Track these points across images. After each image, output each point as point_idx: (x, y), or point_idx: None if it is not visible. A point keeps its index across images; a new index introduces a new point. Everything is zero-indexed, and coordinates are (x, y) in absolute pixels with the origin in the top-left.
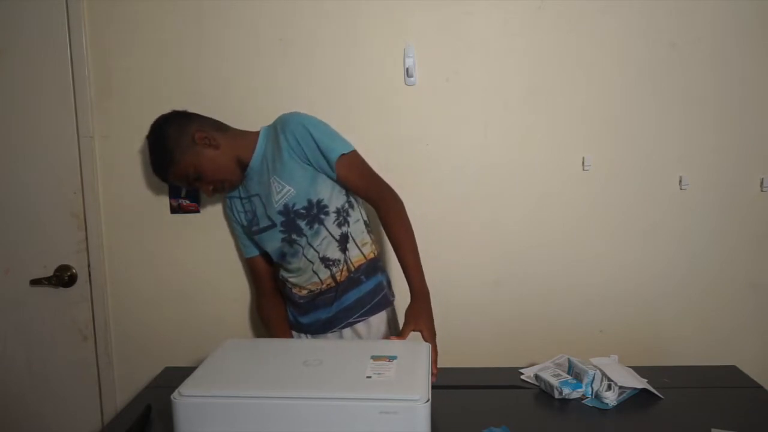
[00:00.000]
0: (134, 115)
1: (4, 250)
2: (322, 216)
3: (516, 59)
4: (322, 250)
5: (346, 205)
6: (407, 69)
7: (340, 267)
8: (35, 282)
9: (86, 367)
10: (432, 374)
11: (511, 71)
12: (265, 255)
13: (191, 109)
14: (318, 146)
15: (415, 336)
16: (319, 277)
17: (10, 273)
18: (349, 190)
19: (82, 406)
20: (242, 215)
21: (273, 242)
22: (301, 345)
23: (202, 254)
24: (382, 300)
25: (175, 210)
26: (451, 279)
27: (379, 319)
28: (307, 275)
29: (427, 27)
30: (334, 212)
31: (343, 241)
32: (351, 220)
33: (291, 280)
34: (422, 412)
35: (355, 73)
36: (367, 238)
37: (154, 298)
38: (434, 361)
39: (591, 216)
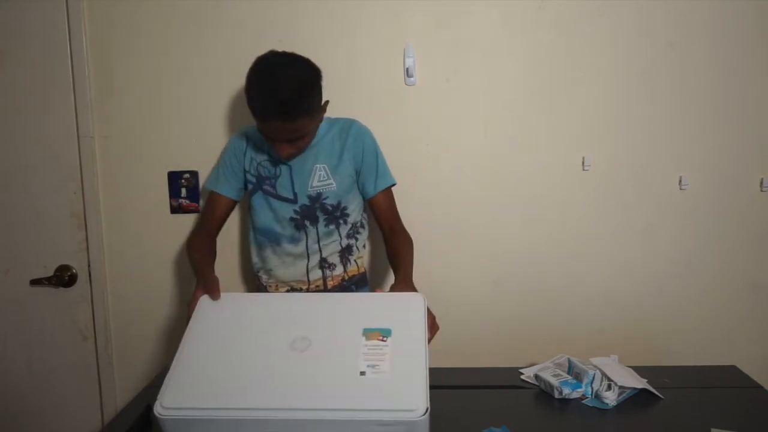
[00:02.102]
0: (134, 115)
1: (4, 250)
2: (341, 221)
3: (516, 59)
4: (325, 251)
5: (361, 221)
6: (407, 69)
7: (334, 273)
8: (35, 282)
9: (86, 367)
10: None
11: (511, 71)
12: (228, 203)
13: (191, 109)
14: (377, 166)
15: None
16: (308, 277)
17: (10, 273)
18: (375, 213)
19: (82, 406)
20: (255, 164)
21: (279, 213)
22: (287, 307)
23: None
24: None
25: (175, 210)
26: (451, 279)
27: None
28: (296, 270)
29: (427, 27)
30: (351, 223)
31: (346, 252)
32: (359, 236)
33: (274, 272)
34: (422, 425)
35: (355, 73)
36: (362, 253)
37: (154, 298)
38: (431, 325)
39: (591, 216)
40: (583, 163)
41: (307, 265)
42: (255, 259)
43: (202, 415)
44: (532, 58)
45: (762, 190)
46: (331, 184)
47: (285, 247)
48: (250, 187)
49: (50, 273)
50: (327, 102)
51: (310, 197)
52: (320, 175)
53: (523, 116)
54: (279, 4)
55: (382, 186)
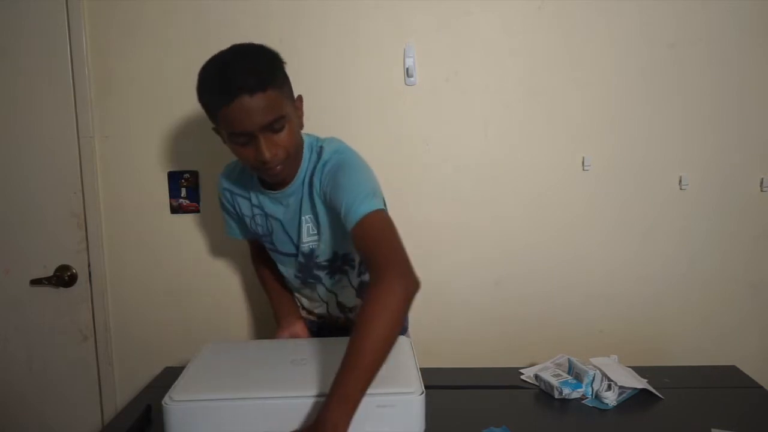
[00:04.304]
0: (134, 115)
1: (4, 250)
2: (346, 267)
3: (516, 59)
4: (339, 295)
5: None
6: (407, 69)
7: (356, 311)
8: (35, 282)
9: (86, 367)
10: None
11: (511, 71)
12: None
13: (191, 109)
14: (344, 200)
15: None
16: (329, 313)
17: (10, 273)
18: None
19: (82, 406)
20: (250, 221)
21: (286, 266)
22: (285, 345)
23: (202, 254)
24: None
25: (175, 210)
26: (451, 279)
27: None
28: (319, 307)
29: (427, 27)
30: (359, 262)
31: (362, 288)
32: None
33: (301, 301)
34: (418, 404)
35: (355, 73)
36: None
37: (154, 298)
38: None
39: (591, 216)
40: (583, 163)
41: (327, 309)
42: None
43: (206, 404)
44: (533, 58)
45: (762, 190)
46: (321, 241)
47: (303, 292)
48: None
49: (50, 273)
50: (300, 97)
51: (304, 254)
52: (308, 228)
53: (523, 116)
54: (279, 4)
55: (352, 221)
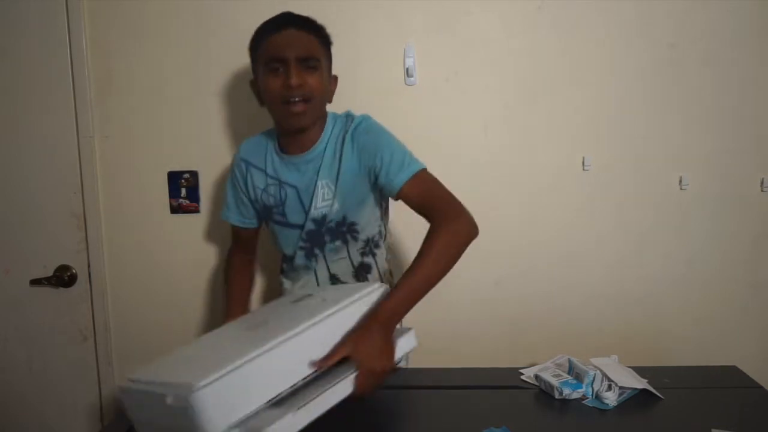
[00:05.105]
0: (134, 115)
1: (4, 250)
2: (348, 237)
3: (516, 59)
4: (334, 271)
5: (377, 236)
6: (407, 69)
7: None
8: (35, 282)
9: (86, 367)
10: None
11: (511, 71)
12: (250, 231)
13: (191, 109)
14: (392, 160)
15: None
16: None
17: (10, 273)
18: (411, 207)
19: (82, 406)
20: (260, 193)
21: (291, 241)
22: (245, 319)
23: (202, 254)
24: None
25: (175, 210)
26: (450, 279)
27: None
28: (309, 283)
29: (427, 27)
30: (362, 240)
31: (362, 271)
32: (378, 252)
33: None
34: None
35: (355, 73)
36: (387, 266)
37: (154, 298)
38: (360, 387)
39: (591, 216)
40: (582, 163)
41: (318, 284)
42: (283, 267)
43: (232, 376)
44: (532, 58)
45: (762, 190)
46: (335, 203)
47: (297, 269)
48: (262, 217)
49: (50, 273)
50: (336, 77)
51: (314, 220)
52: (324, 193)
53: (523, 116)
54: (279, 4)
55: (402, 180)
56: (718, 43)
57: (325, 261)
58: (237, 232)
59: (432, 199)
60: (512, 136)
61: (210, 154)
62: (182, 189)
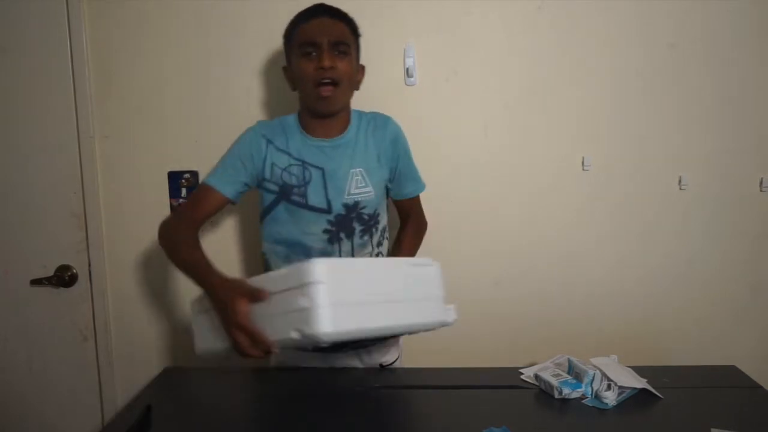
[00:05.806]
0: (134, 115)
1: (4, 250)
2: (374, 230)
3: (516, 59)
4: (359, 254)
5: (386, 227)
6: (407, 69)
7: None
8: (35, 282)
9: (86, 367)
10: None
11: (511, 71)
12: (224, 202)
13: (191, 109)
14: (413, 171)
15: None
16: None
17: (10, 273)
18: (400, 211)
19: (82, 406)
20: (279, 172)
21: (309, 225)
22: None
23: None
24: None
25: (175, 210)
26: (450, 279)
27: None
28: None
29: (427, 27)
30: (381, 230)
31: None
32: (383, 243)
33: None
34: (436, 272)
35: None
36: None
37: (154, 299)
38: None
39: (590, 216)
40: (582, 162)
41: None
42: (274, 269)
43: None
44: (532, 58)
45: (762, 190)
46: (370, 191)
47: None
48: (269, 197)
49: (50, 273)
50: (364, 67)
51: (346, 206)
52: (357, 180)
53: (523, 116)
54: (280, 4)
55: (416, 192)
56: (718, 43)
57: (351, 250)
58: (209, 205)
59: (419, 211)
60: (512, 136)
61: (210, 154)
62: (182, 189)
